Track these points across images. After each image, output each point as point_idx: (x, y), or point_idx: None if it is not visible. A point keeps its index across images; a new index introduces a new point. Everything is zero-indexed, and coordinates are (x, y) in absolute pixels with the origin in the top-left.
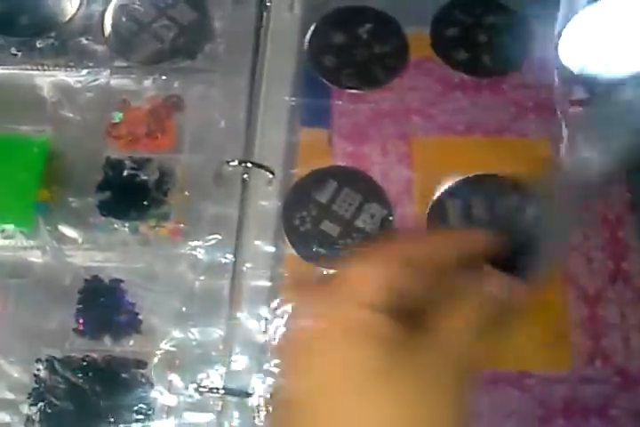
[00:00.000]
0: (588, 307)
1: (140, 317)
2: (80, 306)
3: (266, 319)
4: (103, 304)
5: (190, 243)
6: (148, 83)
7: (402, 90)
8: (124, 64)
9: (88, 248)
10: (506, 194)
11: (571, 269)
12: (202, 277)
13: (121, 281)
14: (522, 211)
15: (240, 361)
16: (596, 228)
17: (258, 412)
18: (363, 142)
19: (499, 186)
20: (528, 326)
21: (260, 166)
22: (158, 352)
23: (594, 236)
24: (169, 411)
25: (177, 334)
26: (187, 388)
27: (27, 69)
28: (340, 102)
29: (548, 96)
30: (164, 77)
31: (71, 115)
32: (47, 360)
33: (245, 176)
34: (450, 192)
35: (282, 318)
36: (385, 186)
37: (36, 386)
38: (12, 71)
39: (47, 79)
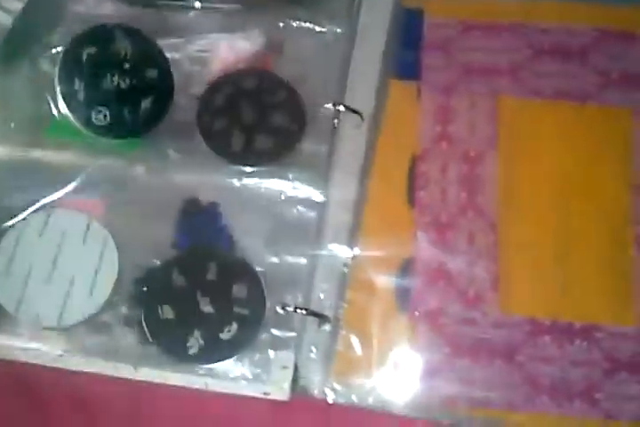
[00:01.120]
0: None
1: (234, 238)
2: (178, 225)
3: (348, 252)
4: (200, 224)
5: (285, 175)
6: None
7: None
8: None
9: (189, 170)
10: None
11: None
12: (293, 208)
13: (218, 204)
14: None
15: (322, 288)
16: None
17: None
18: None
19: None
20: (598, 279)
21: (351, 110)
22: None
23: None
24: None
25: (267, 256)
26: (274, 306)
27: None
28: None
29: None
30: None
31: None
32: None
33: (335, 121)
34: None
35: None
36: None
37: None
38: None
39: None
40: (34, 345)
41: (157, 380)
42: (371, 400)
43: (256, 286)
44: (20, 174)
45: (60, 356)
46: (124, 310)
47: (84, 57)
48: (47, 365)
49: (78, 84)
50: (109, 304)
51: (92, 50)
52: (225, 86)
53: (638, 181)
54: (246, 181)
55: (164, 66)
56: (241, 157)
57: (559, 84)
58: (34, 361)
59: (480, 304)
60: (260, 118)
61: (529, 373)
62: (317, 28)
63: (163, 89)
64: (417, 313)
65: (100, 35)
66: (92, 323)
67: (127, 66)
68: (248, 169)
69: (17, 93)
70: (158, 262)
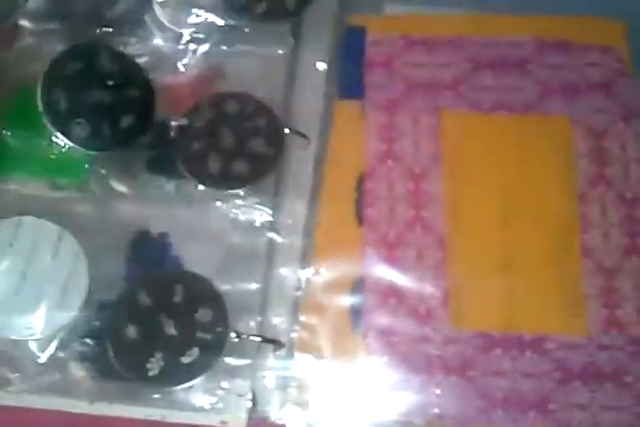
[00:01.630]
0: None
1: (183, 266)
2: (128, 258)
3: (300, 275)
4: (150, 256)
5: (232, 202)
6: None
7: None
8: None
9: (136, 202)
10: None
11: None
12: (243, 233)
13: (167, 235)
14: None
15: (276, 312)
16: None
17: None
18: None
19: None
20: (547, 290)
21: (297, 133)
22: None
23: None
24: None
25: (218, 284)
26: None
27: None
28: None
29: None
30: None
31: None
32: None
33: None
34: None
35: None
36: None
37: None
38: None
39: None
40: None
41: (114, 413)
42: (328, 422)
43: (220, 311)
44: None
45: (16, 394)
46: (78, 345)
47: (69, 71)
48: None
49: (61, 95)
50: (63, 341)
51: (78, 65)
52: (205, 110)
53: (583, 189)
54: (195, 210)
55: (147, 87)
56: (217, 181)
57: (500, 97)
58: None
59: (431, 321)
60: (238, 143)
61: (482, 387)
62: (260, 51)
63: (144, 110)
64: (369, 332)
65: (87, 51)
66: (46, 361)
67: (110, 83)
68: (217, 192)
69: None
70: (109, 298)
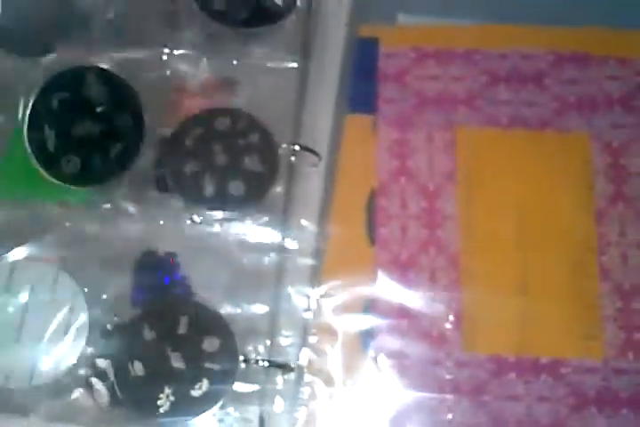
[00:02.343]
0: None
1: (191, 289)
2: (136, 279)
3: (309, 297)
4: (157, 276)
5: (240, 221)
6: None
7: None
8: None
9: (143, 221)
10: None
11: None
12: (252, 254)
13: (175, 255)
14: None
15: (285, 335)
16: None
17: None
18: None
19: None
20: (562, 313)
21: (308, 149)
22: None
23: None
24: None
25: (226, 307)
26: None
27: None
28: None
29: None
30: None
31: None
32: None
33: (293, 159)
34: None
35: (325, 296)
36: None
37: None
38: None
39: None
40: None
41: None
42: None
43: (227, 340)
44: None
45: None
46: (85, 371)
47: (55, 103)
48: None
49: (48, 132)
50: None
51: (64, 95)
52: (195, 127)
53: (601, 207)
54: (203, 228)
55: (137, 111)
56: (212, 203)
57: (516, 112)
58: None
59: (443, 344)
60: (232, 162)
61: (495, 411)
62: (271, 65)
63: (134, 134)
64: (382, 354)
65: (71, 78)
66: (53, 387)
67: (99, 110)
68: (214, 214)
69: None
70: (117, 320)
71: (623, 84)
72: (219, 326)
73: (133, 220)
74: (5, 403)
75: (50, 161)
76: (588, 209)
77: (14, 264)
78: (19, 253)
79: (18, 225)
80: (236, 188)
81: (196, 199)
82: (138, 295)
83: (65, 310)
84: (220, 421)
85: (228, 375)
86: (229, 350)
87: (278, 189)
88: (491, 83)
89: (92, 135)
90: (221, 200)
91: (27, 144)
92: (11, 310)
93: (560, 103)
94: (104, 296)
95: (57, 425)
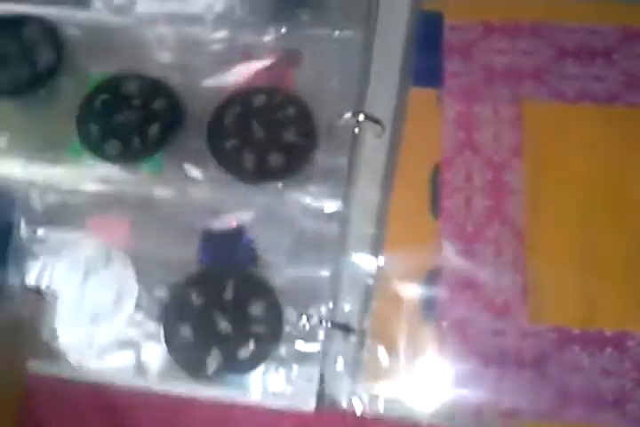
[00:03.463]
0: None
1: (257, 253)
2: (202, 243)
3: (371, 264)
4: (224, 241)
5: (305, 189)
6: (268, 37)
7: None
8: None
9: (209, 188)
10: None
11: None
12: (314, 221)
13: (241, 220)
14: None
15: (347, 299)
16: None
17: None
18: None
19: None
20: (628, 286)
21: (372, 119)
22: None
23: None
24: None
25: (290, 270)
26: (298, 319)
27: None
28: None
29: None
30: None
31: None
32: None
33: (357, 130)
34: None
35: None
36: None
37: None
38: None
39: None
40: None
41: (187, 394)
42: (398, 411)
43: (272, 304)
44: (48, 195)
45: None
46: (150, 326)
47: (98, 103)
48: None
49: (93, 125)
50: (137, 322)
51: (106, 96)
52: (233, 106)
53: None
54: (267, 196)
55: (170, 96)
56: (253, 176)
57: (584, 86)
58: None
59: (508, 314)
60: (270, 136)
61: (558, 383)
62: (335, 34)
63: (170, 115)
64: (444, 323)
65: (113, 83)
66: (121, 341)
67: (135, 102)
68: (267, 185)
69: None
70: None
71: None
72: (264, 290)
73: (200, 186)
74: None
75: (96, 147)
76: None
77: (75, 244)
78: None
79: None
80: (275, 159)
81: (238, 172)
82: (205, 257)
83: (117, 281)
84: (283, 379)
85: (274, 338)
86: (274, 313)
87: (342, 159)
88: (558, 57)
89: (130, 121)
90: (263, 172)
91: (77, 136)
92: (71, 283)
93: (629, 78)
94: (172, 259)
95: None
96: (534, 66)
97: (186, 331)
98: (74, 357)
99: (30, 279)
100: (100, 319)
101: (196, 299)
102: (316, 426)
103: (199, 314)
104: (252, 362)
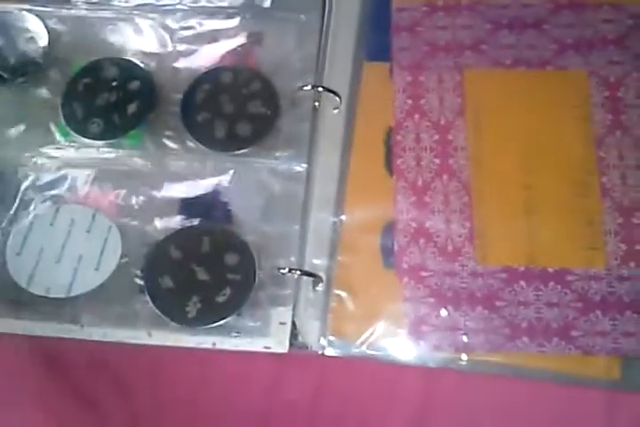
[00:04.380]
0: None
1: (232, 212)
2: (182, 206)
3: (334, 219)
4: (202, 204)
5: (272, 154)
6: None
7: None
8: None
9: (186, 157)
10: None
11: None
12: (281, 183)
13: (217, 184)
14: None
15: (313, 252)
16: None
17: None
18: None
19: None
20: (566, 228)
21: (330, 91)
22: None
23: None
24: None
25: (262, 227)
26: (271, 269)
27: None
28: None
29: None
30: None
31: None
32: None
33: (316, 104)
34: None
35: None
36: None
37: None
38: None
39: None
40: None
41: (169, 343)
42: (364, 351)
43: (246, 253)
44: (36, 170)
45: (80, 328)
46: (135, 279)
47: (81, 87)
48: (66, 337)
49: (77, 107)
50: (120, 275)
51: (88, 80)
52: (203, 83)
53: (600, 135)
54: (238, 163)
55: (145, 77)
56: (224, 145)
57: (519, 54)
58: (56, 335)
59: (458, 257)
60: (238, 108)
61: (508, 316)
62: (294, 16)
63: (145, 94)
64: (402, 269)
65: (93, 68)
66: (106, 293)
67: (114, 84)
68: (237, 153)
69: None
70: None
71: (617, 27)
72: (237, 243)
73: (178, 157)
74: (59, 314)
75: (79, 126)
76: (588, 138)
77: (59, 205)
78: (80, 187)
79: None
80: (243, 129)
81: (211, 142)
82: (185, 217)
83: (100, 241)
84: (258, 322)
85: (249, 283)
86: (248, 262)
87: (304, 127)
88: (494, 29)
89: (110, 102)
90: (232, 141)
91: (62, 118)
92: (53, 238)
93: (559, 45)
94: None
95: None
96: (473, 38)
97: (167, 282)
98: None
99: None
100: (79, 271)
101: (174, 252)
102: (289, 366)
103: (178, 266)
104: (230, 307)
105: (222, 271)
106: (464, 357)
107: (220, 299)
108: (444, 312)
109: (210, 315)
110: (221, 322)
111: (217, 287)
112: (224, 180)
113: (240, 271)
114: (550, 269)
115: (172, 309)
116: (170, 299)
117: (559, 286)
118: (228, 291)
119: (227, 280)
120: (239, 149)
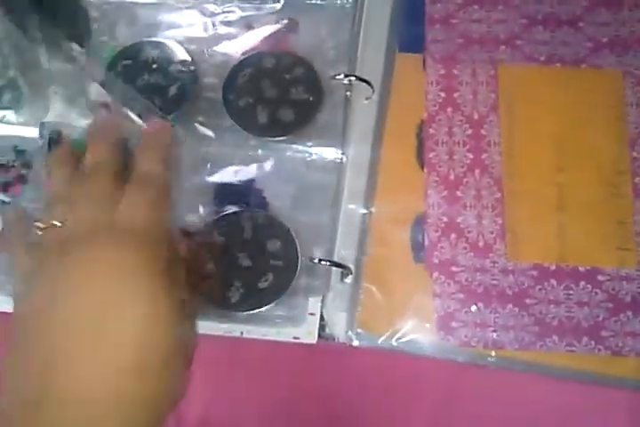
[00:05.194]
0: None
1: (266, 200)
2: (217, 192)
3: (365, 211)
4: (237, 191)
5: (305, 144)
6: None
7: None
8: None
9: (220, 144)
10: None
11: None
12: (314, 173)
13: (251, 172)
14: None
15: (343, 243)
16: None
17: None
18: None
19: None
20: (597, 227)
21: (363, 80)
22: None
23: None
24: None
25: (294, 215)
26: (302, 258)
27: None
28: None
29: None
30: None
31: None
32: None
33: (348, 93)
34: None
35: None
36: None
37: None
38: None
39: None
40: None
41: (201, 330)
42: (392, 344)
43: (288, 240)
44: None
45: None
46: None
47: (120, 68)
48: None
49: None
50: None
51: (127, 62)
52: (245, 68)
53: (633, 135)
54: (272, 151)
55: (185, 62)
56: (266, 130)
57: (553, 50)
58: None
59: (489, 253)
60: (280, 94)
61: (538, 314)
62: (328, 4)
63: (186, 77)
64: (435, 260)
65: (132, 51)
66: None
67: (154, 66)
68: (273, 140)
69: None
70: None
71: None
72: (279, 230)
73: (212, 144)
74: None
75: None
76: (621, 137)
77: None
78: None
79: None
80: (285, 115)
81: (253, 127)
82: (220, 203)
83: None
84: (288, 313)
85: (291, 270)
86: (290, 248)
87: (337, 117)
88: (529, 25)
89: (151, 84)
90: (274, 126)
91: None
92: None
93: (594, 43)
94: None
95: None
96: (508, 33)
97: (210, 267)
98: None
99: None
100: None
101: (217, 239)
102: (316, 356)
103: (221, 252)
104: (272, 292)
105: (265, 257)
106: (493, 353)
107: (262, 285)
108: (473, 308)
109: (252, 300)
110: (262, 308)
111: (259, 273)
112: (263, 167)
113: (282, 258)
114: (581, 269)
115: (216, 294)
116: (212, 284)
117: (590, 286)
118: (270, 277)
119: (269, 266)
120: (282, 136)
